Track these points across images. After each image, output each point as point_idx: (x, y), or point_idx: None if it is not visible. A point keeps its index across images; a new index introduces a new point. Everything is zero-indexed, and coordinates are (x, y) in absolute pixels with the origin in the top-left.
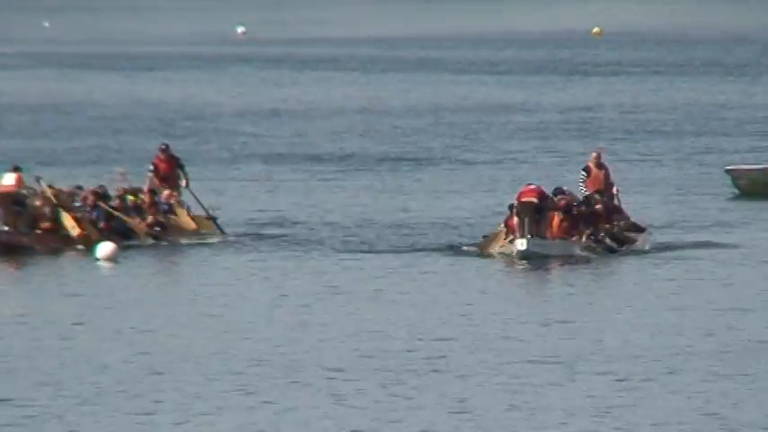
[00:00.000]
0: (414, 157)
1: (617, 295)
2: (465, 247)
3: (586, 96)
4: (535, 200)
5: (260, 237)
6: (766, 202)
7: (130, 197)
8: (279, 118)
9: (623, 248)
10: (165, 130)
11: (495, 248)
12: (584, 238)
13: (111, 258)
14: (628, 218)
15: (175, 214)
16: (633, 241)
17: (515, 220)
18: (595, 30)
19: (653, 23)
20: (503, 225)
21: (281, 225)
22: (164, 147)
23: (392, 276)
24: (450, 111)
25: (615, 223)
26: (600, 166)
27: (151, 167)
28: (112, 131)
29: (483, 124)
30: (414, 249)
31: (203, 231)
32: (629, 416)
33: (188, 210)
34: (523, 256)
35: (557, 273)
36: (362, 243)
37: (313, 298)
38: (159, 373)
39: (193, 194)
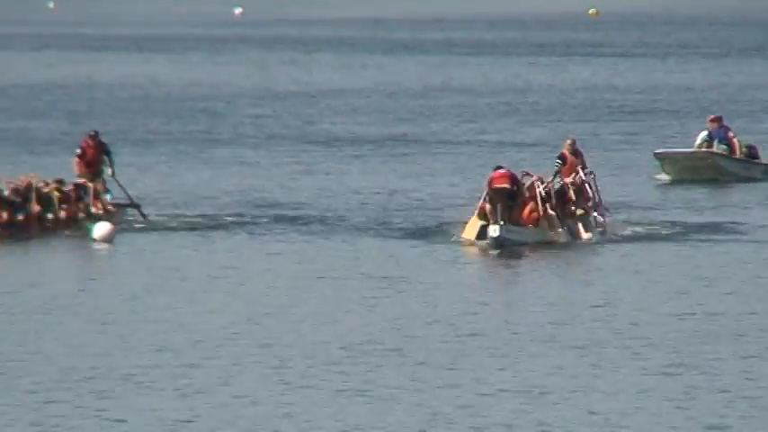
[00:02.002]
0: (411, 139)
1: (602, 279)
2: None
3: (583, 77)
4: (508, 186)
5: (258, 218)
6: (692, 186)
7: (56, 193)
8: (276, 99)
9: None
10: (163, 112)
11: (469, 232)
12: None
13: (108, 239)
14: (601, 210)
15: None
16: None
17: (487, 206)
18: (592, 10)
19: (649, 4)
20: (476, 211)
21: (277, 207)
22: (93, 133)
23: (396, 261)
24: (447, 92)
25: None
26: (575, 152)
27: (78, 151)
28: (112, 113)
29: (479, 106)
30: (413, 232)
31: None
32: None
33: (108, 197)
34: (496, 243)
35: (539, 258)
36: (360, 226)
37: (310, 280)
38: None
39: (118, 183)
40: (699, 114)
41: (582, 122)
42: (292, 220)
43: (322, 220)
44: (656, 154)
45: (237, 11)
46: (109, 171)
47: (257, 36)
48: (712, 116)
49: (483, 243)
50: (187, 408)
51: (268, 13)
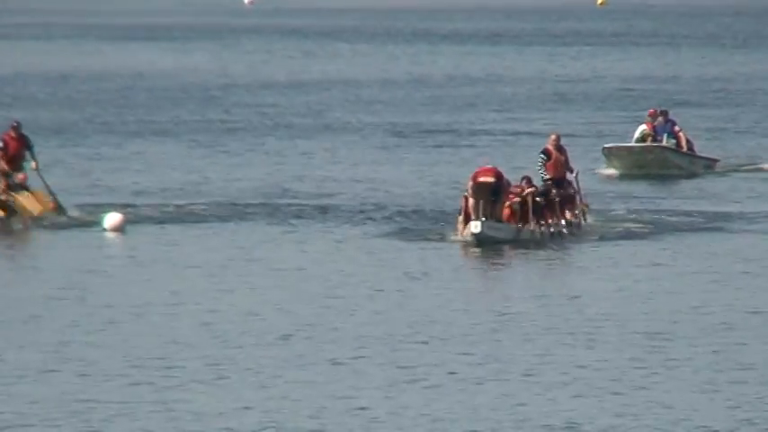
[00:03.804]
0: (420, 129)
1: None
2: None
3: (590, 67)
4: (492, 179)
5: (270, 209)
6: (638, 181)
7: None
8: (286, 89)
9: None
10: (173, 102)
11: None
12: (533, 226)
13: (118, 229)
14: (581, 208)
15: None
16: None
17: (471, 202)
18: (600, 0)
19: None
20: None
21: (286, 196)
22: (15, 124)
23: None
24: (455, 82)
25: (570, 215)
26: (559, 148)
27: (0, 144)
28: (121, 104)
29: (486, 96)
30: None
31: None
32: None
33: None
34: (478, 239)
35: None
36: (367, 216)
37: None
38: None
39: (41, 177)
40: (699, 104)
41: (576, 113)
42: (303, 210)
43: (336, 211)
44: (604, 148)
45: (247, 0)
46: (32, 164)
47: (267, 26)
48: (652, 110)
49: (466, 239)
50: (223, 399)
51: (278, 2)
